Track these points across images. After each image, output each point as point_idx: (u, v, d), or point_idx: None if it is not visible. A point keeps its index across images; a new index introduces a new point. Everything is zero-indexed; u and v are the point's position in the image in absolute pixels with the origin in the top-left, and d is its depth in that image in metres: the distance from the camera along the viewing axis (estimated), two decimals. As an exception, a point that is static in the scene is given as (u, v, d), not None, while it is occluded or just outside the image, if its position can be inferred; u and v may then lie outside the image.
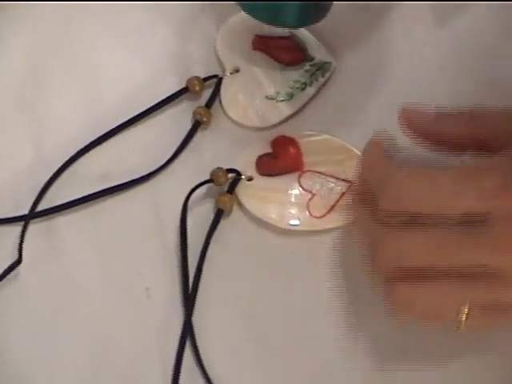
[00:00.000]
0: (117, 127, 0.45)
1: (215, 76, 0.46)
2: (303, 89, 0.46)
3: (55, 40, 0.47)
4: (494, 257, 0.35)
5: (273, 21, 0.42)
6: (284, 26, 0.43)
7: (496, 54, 0.46)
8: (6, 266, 0.41)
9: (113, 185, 0.43)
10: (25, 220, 0.42)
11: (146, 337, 0.40)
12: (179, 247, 0.42)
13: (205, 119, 0.45)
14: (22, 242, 0.41)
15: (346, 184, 0.43)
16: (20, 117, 0.46)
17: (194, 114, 0.45)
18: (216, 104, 0.46)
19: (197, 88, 0.46)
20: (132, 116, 0.45)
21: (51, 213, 0.43)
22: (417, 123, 0.40)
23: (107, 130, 0.45)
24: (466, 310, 0.35)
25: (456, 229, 0.35)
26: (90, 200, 0.43)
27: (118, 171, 0.44)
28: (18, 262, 0.41)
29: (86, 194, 0.43)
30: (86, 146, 0.44)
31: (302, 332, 0.41)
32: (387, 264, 0.36)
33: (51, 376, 0.40)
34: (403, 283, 0.35)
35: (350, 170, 0.42)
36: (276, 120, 0.45)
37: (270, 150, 0.44)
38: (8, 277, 0.41)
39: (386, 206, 0.36)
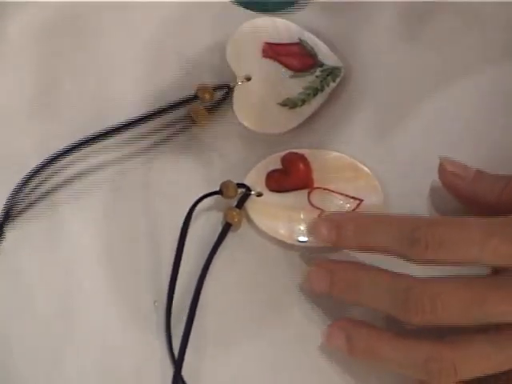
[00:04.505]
0: (116, 129, 0.45)
1: (226, 86, 0.46)
2: (315, 94, 0.46)
3: (67, 49, 0.47)
4: None
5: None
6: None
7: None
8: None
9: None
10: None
11: (152, 350, 0.41)
12: (177, 261, 0.42)
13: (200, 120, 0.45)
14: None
15: (356, 202, 0.43)
16: (31, 126, 0.46)
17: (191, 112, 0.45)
18: (225, 113, 0.46)
19: (206, 96, 0.45)
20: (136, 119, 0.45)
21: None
22: (453, 184, 0.41)
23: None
24: None
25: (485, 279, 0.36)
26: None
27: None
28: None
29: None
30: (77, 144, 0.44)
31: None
32: None
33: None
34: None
35: (360, 188, 0.43)
36: (289, 126, 0.45)
37: (280, 167, 0.44)
38: (15, 289, 0.42)
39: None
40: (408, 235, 0.37)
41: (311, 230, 0.42)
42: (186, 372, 0.40)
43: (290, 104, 0.45)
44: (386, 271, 0.38)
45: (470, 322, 0.36)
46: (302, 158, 0.44)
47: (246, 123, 0.45)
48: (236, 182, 0.43)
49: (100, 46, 0.47)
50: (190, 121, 0.45)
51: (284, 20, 0.46)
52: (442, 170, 0.42)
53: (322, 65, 0.46)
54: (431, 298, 0.36)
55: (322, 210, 0.43)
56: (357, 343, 0.39)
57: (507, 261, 0.36)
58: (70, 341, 0.41)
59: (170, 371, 0.41)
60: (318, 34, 0.46)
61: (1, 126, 0.46)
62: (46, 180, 0.44)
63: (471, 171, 0.41)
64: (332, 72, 0.46)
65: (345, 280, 0.39)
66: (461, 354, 0.37)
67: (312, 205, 0.43)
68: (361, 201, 0.43)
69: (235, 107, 0.45)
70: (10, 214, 0.43)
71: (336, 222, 0.40)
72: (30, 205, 0.44)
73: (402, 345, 0.38)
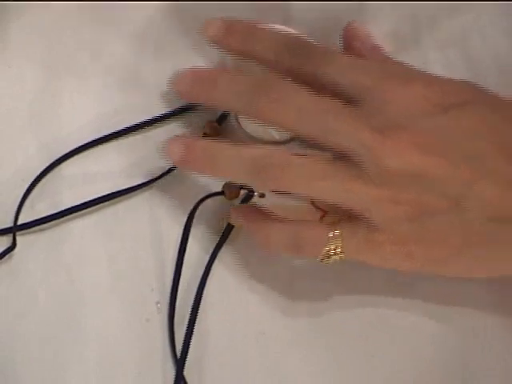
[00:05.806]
0: (115, 133, 0.45)
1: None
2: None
3: (68, 50, 0.47)
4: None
5: None
6: None
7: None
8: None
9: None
10: (12, 232, 0.42)
11: (154, 350, 0.41)
12: (179, 262, 0.42)
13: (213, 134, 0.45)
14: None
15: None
16: (31, 130, 0.46)
17: (204, 127, 0.46)
18: (229, 119, 0.46)
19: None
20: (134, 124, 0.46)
21: (39, 224, 0.43)
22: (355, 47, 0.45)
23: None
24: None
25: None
26: (93, 205, 0.43)
27: (120, 177, 0.44)
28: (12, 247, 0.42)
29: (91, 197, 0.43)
30: (76, 148, 0.45)
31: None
32: None
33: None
34: None
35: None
36: (292, 134, 0.45)
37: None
38: (16, 289, 0.42)
39: None
40: (288, 45, 0.41)
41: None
42: (188, 372, 0.40)
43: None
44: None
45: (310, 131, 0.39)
46: (304, 159, 0.44)
47: (249, 131, 0.46)
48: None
49: (102, 54, 0.48)
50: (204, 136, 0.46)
51: (283, 27, 0.46)
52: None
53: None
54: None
55: (323, 211, 0.43)
56: (195, 150, 0.40)
57: (357, 87, 0.39)
58: (73, 342, 0.41)
59: (172, 371, 0.40)
60: (318, 40, 0.46)
61: (4, 130, 0.46)
62: (49, 186, 0.45)
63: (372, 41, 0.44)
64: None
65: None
66: (295, 157, 0.38)
67: (314, 206, 0.43)
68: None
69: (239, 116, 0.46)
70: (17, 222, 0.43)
71: (228, 23, 0.43)
72: (35, 211, 0.44)
73: (242, 149, 0.40)
